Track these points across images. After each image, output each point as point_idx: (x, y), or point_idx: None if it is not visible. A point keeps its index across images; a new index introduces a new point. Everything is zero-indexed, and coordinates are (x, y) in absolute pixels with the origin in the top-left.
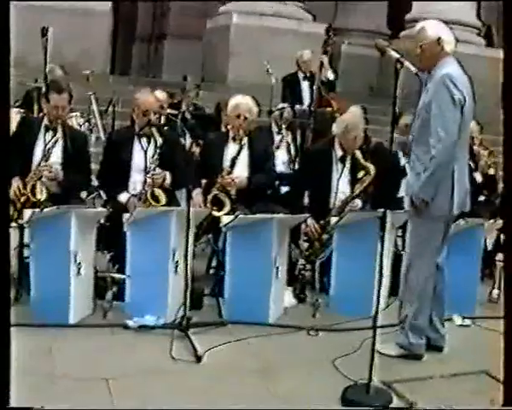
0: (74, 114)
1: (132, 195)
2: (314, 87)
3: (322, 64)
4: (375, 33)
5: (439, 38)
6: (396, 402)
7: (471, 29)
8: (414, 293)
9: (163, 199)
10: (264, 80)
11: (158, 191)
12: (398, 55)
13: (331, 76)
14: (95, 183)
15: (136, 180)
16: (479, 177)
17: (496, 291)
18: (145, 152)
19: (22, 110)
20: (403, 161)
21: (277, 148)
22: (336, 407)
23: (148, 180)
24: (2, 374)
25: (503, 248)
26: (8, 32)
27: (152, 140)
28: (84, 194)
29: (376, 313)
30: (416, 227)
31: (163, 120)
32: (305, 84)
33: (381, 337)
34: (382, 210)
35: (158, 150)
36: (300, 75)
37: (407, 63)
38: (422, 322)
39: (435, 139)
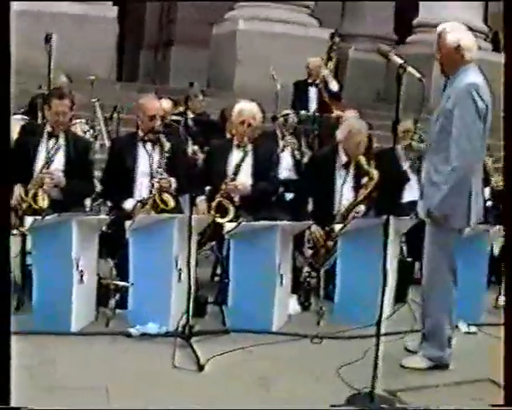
0: (79, 120)
1: (138, 201)
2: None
3: (324, 77)
4: (381, 39)
5: (458, 46)
6: None
7: (478, 34)
8: (438, 303)
9: (171, 202)
10: (271, 86)
11: (166, 195)
12: (400, 61)
13: (335, 87)
14: (99, 190)
15: (142, 186)
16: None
17: (502, 298)
18: (150, 157)
19: (26, 117)
20: (405, 165)
21: (282, 151)
22: None
23: (156, 184)
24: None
25: (504, 254)
26: (9, 35)
27: (157, 145)
28: (88, 201)
29: (379, 320)
30: (434, 238)
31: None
32: (312, 91)
33: (384, 346)
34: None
35: (166, 155)
36: (309, 82)
37: (410, 68)
38: (449, 331)
39: (459, 151)
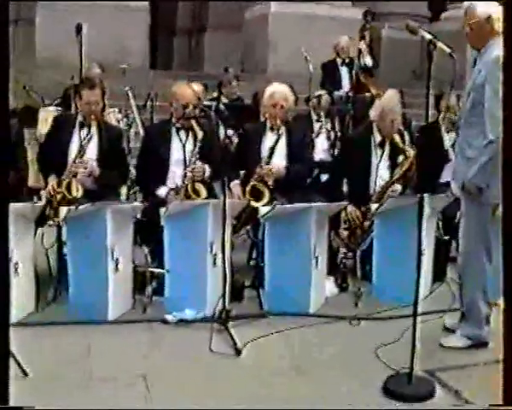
0: (112, 109)
1: (171, 188)
2: (353, 73)
3: (360, 51)
4: (415, 16)
5: (488, 17)
6: (439, 391)
7: None
8: (473, 280)
9: (203, 192)
10: (304, 69)
11: (198, 185)
12: (430, 37)
13: (370, 62)
14: (134, 178)
15: (175, 174)
16: None
17: None
18: (184, 145)
19: (59, 108)
20: (447, 143)
21: (317, 136)
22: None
23: (189, 174)
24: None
25: (504, 247)
26: (7, 29)
27: (190, 133)
28: (124, 189)
29: (416, 300)
30: (468, 214)
31: (198, 112)
32: (344, 70)
33: (423, 326)
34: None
35: (198, 144)
36: (339, 61)
37: (440, 44)
38: (485, 308)
39: (494, 124)
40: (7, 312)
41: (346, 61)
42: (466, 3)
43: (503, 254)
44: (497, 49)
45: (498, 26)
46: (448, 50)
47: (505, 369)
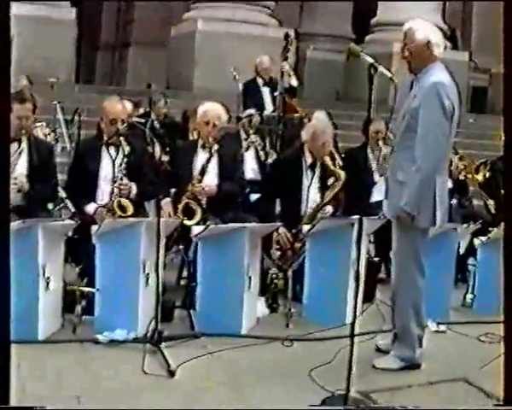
0: (40, 124)
1: (100, 205)
2: (275, 93)
3: (283, 72)
4: (340, 38)
5: (428, 42)
6: None
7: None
8: (407, 302)
9: (130, 209)
10: (230, 87)
11: (125, 201)
12: (372, 60)
13: (295, 83)
14: (61, 193)
15: (104, 191)
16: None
17: (470, 296)
18: (113, 162)
19: None
20: (374, 165)
21: (246, 150)
22: None
23: (115, 190)
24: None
25: (504, 253)
26: (9, 33)
27: (120, 149)
28: (50, 205)
29: (354, 320)
30: (401, 238)
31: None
32: (265, 91)
33: (358, 346)
34: (356, 217)
35: (125, 159)
36: (260, 81)
37: (381, 68)
38: (418, 330)
39: (423, 150)
40: (8, 315)
41: (267, 81)
42: (406, 26)
43: (503, 254)
44: (434, 75)
45: (438, 51)
46: (389, 74)
47: (505, 369)
